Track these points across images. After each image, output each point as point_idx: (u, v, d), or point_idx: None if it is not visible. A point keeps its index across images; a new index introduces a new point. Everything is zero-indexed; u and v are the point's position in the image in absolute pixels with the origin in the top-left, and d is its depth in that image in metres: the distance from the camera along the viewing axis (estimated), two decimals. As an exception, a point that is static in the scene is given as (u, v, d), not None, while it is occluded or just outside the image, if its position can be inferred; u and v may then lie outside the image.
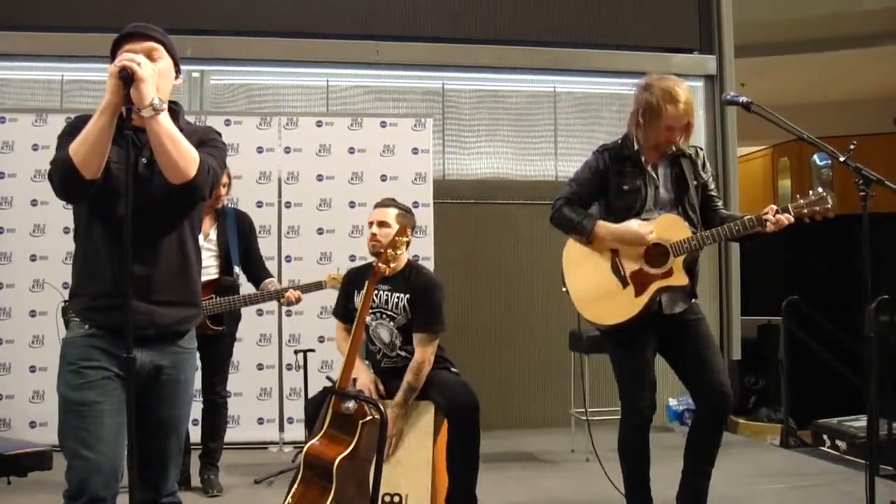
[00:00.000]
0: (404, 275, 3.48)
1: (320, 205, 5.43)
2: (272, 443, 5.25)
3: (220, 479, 4.16)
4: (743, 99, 3.01)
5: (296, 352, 4.73)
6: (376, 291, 3.43)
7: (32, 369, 5.06)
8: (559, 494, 4.19)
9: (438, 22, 6.22)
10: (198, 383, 2.69)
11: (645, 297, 3.01)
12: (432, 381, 3.39)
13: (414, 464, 3.33)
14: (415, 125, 5.57)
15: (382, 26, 6.14)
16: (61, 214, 4.60)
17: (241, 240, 4.14)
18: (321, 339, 5.21)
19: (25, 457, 3.73)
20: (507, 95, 6.46)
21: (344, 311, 3.64)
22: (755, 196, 9.01)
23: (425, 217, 5.34)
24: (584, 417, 4.32)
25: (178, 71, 2.22)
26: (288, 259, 5.38)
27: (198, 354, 2.37)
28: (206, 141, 2.20)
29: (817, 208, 2.92)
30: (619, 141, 3.18)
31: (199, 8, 5.95)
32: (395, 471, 3.30)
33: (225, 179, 3.99)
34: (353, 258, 5.13)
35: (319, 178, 5.45)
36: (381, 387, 3.44)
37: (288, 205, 5.42)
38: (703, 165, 3.19)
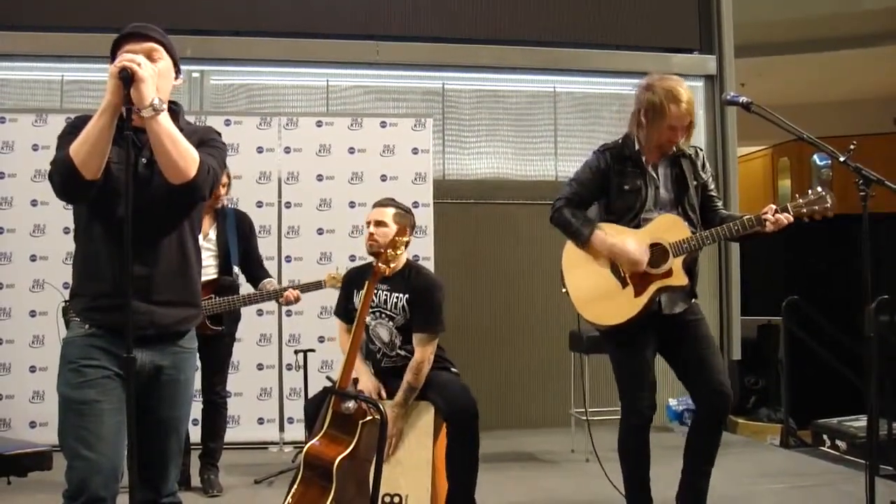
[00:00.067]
0: (403, 275, 3.48)
1: (320, 205, 5.43)
2: (272, 443, 5.25)
3: (220, 479, 4.16)
4: (743, 99, 3.01)
5: (296, 352, 4.73)
6: (375, 291, 3.43)
7: (32, 369, 5.06)
8: (559, 494, 4.19)
9: (438, 22, 6.22)
10: (197, 383, 2.68)
11: (644, 298, 3.01)
12: (432, 383, 3.39)
13: (414, 464, 3.33)
14: (415, 125, 5.57)
15: (382, 26, 6.14)
16: (61, 215, 4.60)
17: (240, 240, 4.14)
18: (321, 339, 5.21)
19: (25, 457, 3.73)
20: (507, 95, 6.46)
21: (345, 311, 3.64)
22: (755, 196, 9.02)
23: (425, 217, 5.34)
24: (584, 417, 4.32)
25: (177, 71, 2.22)
26: (288, 259, 5.38)
27: (197, 355, 2.37)
28: (206, 141, 2.21)
29: (816, 208, 2.92)
30: (620, 141, 3.17)
31: (199, 8, 5.95)
32: (395, 471, 3.30)
33: (224, 179, 3.99)
34: (353, 258, 5.13)
35: (319, 178, 5.45)
36: (384, 393, 3.44)
37: (288, 205, 5.42)
38: (703, 166, 3.19)
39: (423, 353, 3.38)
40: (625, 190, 3.09)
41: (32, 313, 5.09)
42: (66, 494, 2.05)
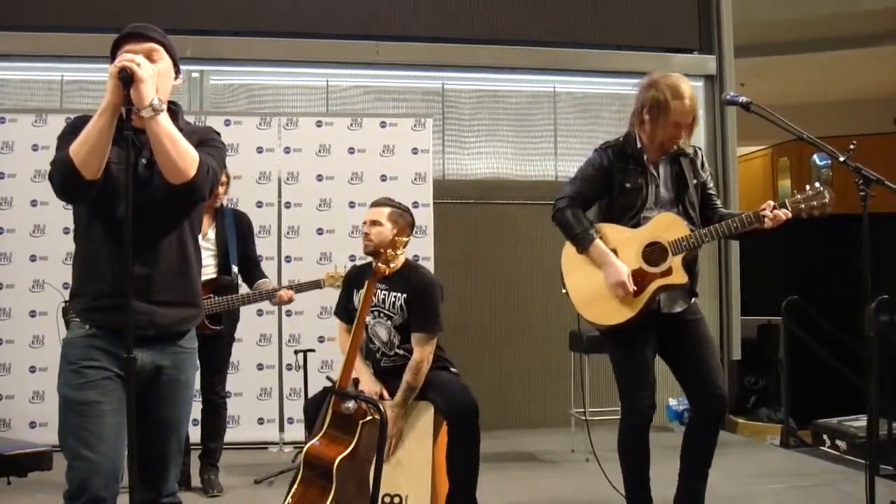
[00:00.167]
0: (402, 274, 3.48)
1: (320, 205, 5.43)
2: (272, 443, 5.25)
3: (220, 479, 4.16)
4: (743, 99, 3.01)
5: (296, 352, 4.73)
6: (374, 291, 3.42)
7: (32, 370, 5.06)
8: (559, 494, 4.19)
9: (438, 22, 6.22)
10: (197, 384, 2.68)
11: (644, 297, 3.01)
12: (432, 383, 3.39)
13: (414, 464, 3.33)
14: (414, 125, 5.57)
15: (382, 26, 6.14)
16: (61, 215, 4.59)
17: (239, 239, 4.14)
18: (321, 339, 5.22)
19: (25, 457, 3.73)
20: (506, 95, 6.46)
21: (345, 311, 3.64)
22: (755, 196, 9.01)
23: (425, 217, 5.34)
24: (584, 417, 4.32)
25: (177, 71, 2.22)
26: (288, 259, 5.38)
27: (197, 355, 2.37)
28: (206, 141, 2.21)
29: (815, 203, 2.92)
30: (621, 139, 3.18)
31: (199, 8, 5.95)
32: (395, 471, 3.30)
33: (223, 178, 3.99)
34: (352, 258, 5.13)
35: (319, 178, 5.45)
36: (385, 395, 3.43)
37: (288, 205, 5.42)
38: (702, 165, 3.20)
39: (422, 352, 3.38)
40: (626, 188, 3.09)
41: (32, 313, 5.10)
42: (66, 495, 2.05)
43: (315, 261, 5.33)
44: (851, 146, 2.84)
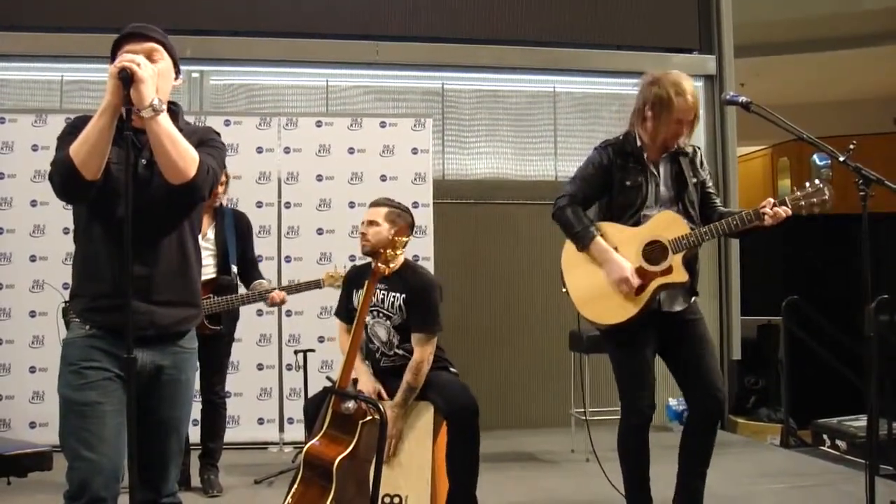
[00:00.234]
0: (401, 275, 3.47)
1: (320, 205, 5.43)
2: (272, 443, 5.25)
3: (220, 479, 4.16)
4: (742, 99, 3.02)
5: (296, 352, 4.73)
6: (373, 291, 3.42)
7: (32, 370, 5.06)
8: (559, 494, 4.19)
9: (438, 22, 6.22)
10: (196, 384, 2.68)
11: (645, 296, 3.01)
12: (431, 383, 3.39)
13: (414, 464, 3.33)
14: (414, 125, 5.57)
15: (382, 26, 6.14)
16: (61, 215, 4.59)
17: (238, 239, 4.14)
18: (321, 340, 5.22)
19: (25, 457, 3.72)
20: (506, 95, 6.46)
21: (346, 311, 3.64)
22: (755, 196, 8.97)
23: (425, 217, 5.34)
24: (584, 417, 4.32)
25: (177, 71, 2.22)
26: (288, 259, 5.38)
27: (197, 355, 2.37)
28: (206, 141, 2.21)
29: (815, 200, 2.92)
30: (621, 138, 3.18)
31: (199, 8, 5.95)
32: (394, 471, 3.30)
33: (222, 178, 3.98)
34: (352, 258, 5.13)
35: (319, 178, 5.45)
36: (384, 394, 3.43)
37: (288, 205, 5.42)
38: (701, 163, 3.21)
39: (423, 352, 3.38)
40: (626, 186, 3.09)
41: (32, 314, 5.09)
42: (66, 495, 2.05)
43: (315, 261, 5.33)
44: (851, 146, 2.84)
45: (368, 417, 2.90)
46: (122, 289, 1.93)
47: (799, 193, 2.95)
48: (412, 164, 5.50)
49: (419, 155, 5.53)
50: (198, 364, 2.37)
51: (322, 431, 2.94)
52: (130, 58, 1.98)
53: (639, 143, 3.12)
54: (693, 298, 3.16)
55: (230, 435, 4.49)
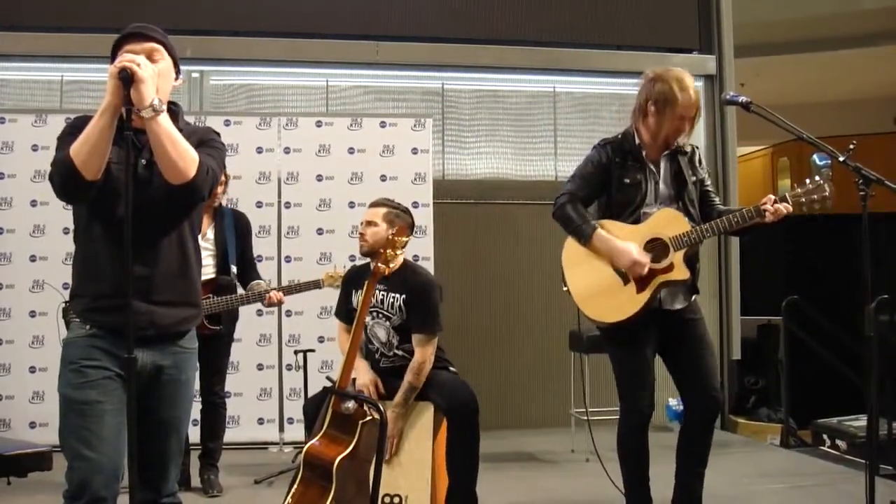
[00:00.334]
0: (400, 275, 3.47)
1: (320, 205, 5.44)
2: (272, 443, 5.25)
3: (220, 479, 4.16)
4: (742, 99, 3.02)
5: (296, 352, 4.74)
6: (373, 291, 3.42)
7: (32, 370, 5.06)
8: (559, 494, 4.19)
9: (438, 22, 6.21)
10: (196, 384, 2.68)
11: (647, 294, 3.01)
12: (431, 381, 3.39)
13: (414, 464, 3.33)
14: (414, 125, 5.57)
15: (382, 26, 6.13)
16: (61, 215, 4.60)
17: (238, 239, 4.14)
18: (321, 340, 5.22)
19: (25, 457, 3.72)
20: (506, 95, 6.46)
21: (345, 312, 3.64)
22: (755, 196, 8.88)
23: (425, 217, 5.34)
24: (585, 417, 4.32)
25: (177, 72, 2.22)
26: (288, 259, 5.38)
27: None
28: (206, 141, 2.21)
29: (815, 197, 2.92)
30: (619, 136, 3.18)
31: (199, 8, 5.95)
32: (394, 471, 3.30)
33: (222, 178, 3.98)
34: (352, 258, 5.12)
35: (319, 178, 5.45)
36: (380, 386, 3.44)
37: (288, 205, 5.42)
38: (700, 162, 3.21)
39: (424, 353, 3.38)
40: (625, 183, 3.10)
41: (32, 314, 5.09)
42: (66, 495, 2.05)
43: (315, 261, 5.33)
44: (851, 146, 2.84)
45: (368, 417, 2.90)
46: (123, 289, 1.93)
47: (800, 190, 2.95)
48: (412, 164, 5.50)
49: (419, 155, 5.53)
50: (198, 364, 2.37)
51: (322, 431, 2.94)
52: (131, 58, 1.98)
53: (637, 142, 3.12)
54: (694, 297, 3.16)
55: (230, 435, 4.49)
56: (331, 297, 4.00)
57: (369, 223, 3.52)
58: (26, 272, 5.11)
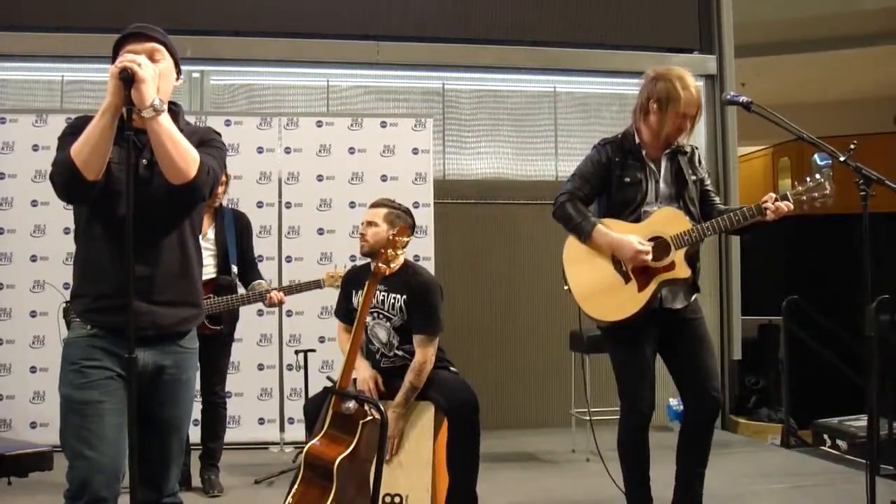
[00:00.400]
0: (401, 275, 3.47)
1: (320, 205, 5.44)
2: (273, 443, 5.25)
3: (220, 479, 4.16)
4: (743, 99, 3.02)
5: (296, 352, 4.74)
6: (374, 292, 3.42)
7: (33, 370, 5.06)
8: (559, 494, 4.19)
9: (438, 22, 6.22)
10: (197, 384, 2.69)
11: (648, 292, 3.01)
12: (431, 381, 3.39)
13: (414, 464, 3.33)
14: (415, 125, 5.57)
15: (382, 26, 6.14)
16: (61, 215, 4.60)
17: (238, 239, 4.14)
18: (322, 340, 5.21)
19: (26, 457, 3.72)
20: (507, 95, 6.46)
21: (345, 312, 3.64)
22: (756, 196, 8.83)
23: (425, 217, 5.34)
24: (586, 417, 4.32)
25: (178, 72, 2.22)
26: (288, 259, 5.38)
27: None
28: (206, 141, 2.21)
29: (816, 195, 2.93)
30: (620, 136, 3.19)
31: (199, 8, 5.95)
32: (395, 471, 3.31)
33: (223, 178, 3.98)
34: (353, 258, 5.13)
35: (320, 178, 5.45)
36: (380, 382, 3.44)
37: (288, 205, 5.42)
38: (700, 162, 3.22)
39: (425, 354, 3.38)
40: (625, 182, 3.10)
41: (33, 314, 5.10)
42: (67, 494, 2.05)
43: (315, 261, 5.34)
44: (852, 146, 2.85)
45: (369, 417, 2.90)
46: (124, 289, 1.93)
47: (801, 188, 2.96)
48: (413, 164, 5.50)
49: (420, 155, 5.53)
50: (198, 364, 2.37)
51: (322, 431, 2.94)
52: (131, 58, 1.98)
53: (638, 141, 3.13)
54: (694, 296, 3.16)
55: (231, 435, 4.49)
56: (331, 297, 4.00)
57: (370, 223, 3.52)
58: (27, 272, 5.11)
